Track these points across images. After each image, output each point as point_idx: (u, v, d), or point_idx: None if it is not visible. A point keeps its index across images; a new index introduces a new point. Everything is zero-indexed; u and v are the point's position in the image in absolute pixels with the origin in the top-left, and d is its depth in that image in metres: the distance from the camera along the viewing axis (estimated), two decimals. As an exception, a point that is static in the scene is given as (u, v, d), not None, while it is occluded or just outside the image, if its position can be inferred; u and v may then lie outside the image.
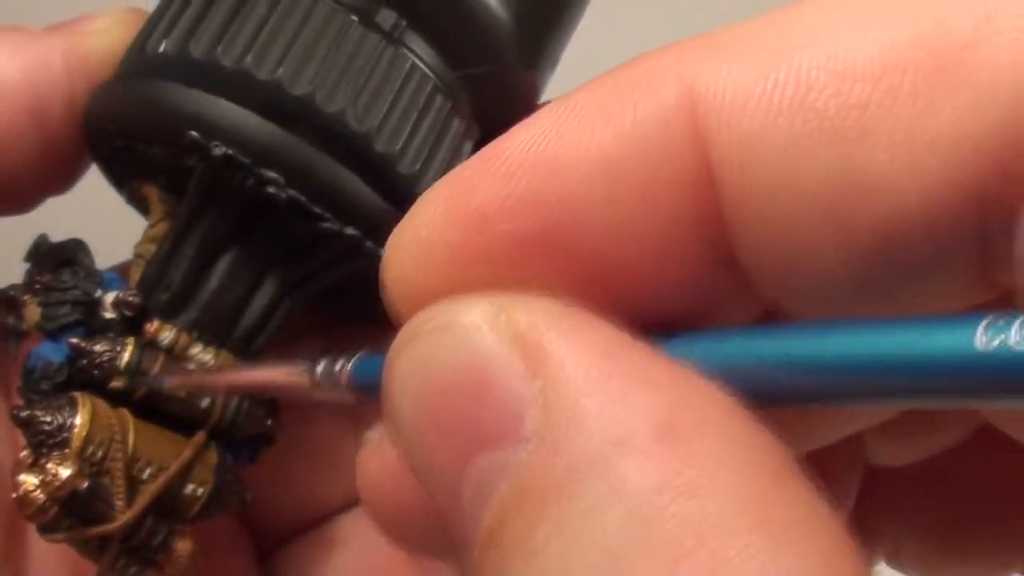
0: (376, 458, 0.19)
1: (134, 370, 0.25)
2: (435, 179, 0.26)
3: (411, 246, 0.17)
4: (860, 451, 0.22)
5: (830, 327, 0.14)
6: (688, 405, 0.14)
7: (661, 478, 0.13)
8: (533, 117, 0.16)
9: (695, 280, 0.16)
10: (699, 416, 0.14)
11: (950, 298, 0.15)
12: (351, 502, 0.30)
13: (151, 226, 0.27)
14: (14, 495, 0.23)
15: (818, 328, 0.14)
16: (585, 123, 0.15)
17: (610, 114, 0.15)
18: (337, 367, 0.20)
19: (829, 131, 0.14)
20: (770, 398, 0.15)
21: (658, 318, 0.16)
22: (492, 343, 0.15)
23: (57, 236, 0.27)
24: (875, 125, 0.14)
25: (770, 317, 0.17)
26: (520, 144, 0.16)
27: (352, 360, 0.20)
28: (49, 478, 0.23)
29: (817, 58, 0.14)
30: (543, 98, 0.30)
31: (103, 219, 0.29)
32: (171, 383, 0.25)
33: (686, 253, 0.16)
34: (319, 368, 0.20)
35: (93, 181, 0.29)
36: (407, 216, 0.17)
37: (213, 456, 0.25)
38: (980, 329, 0.13)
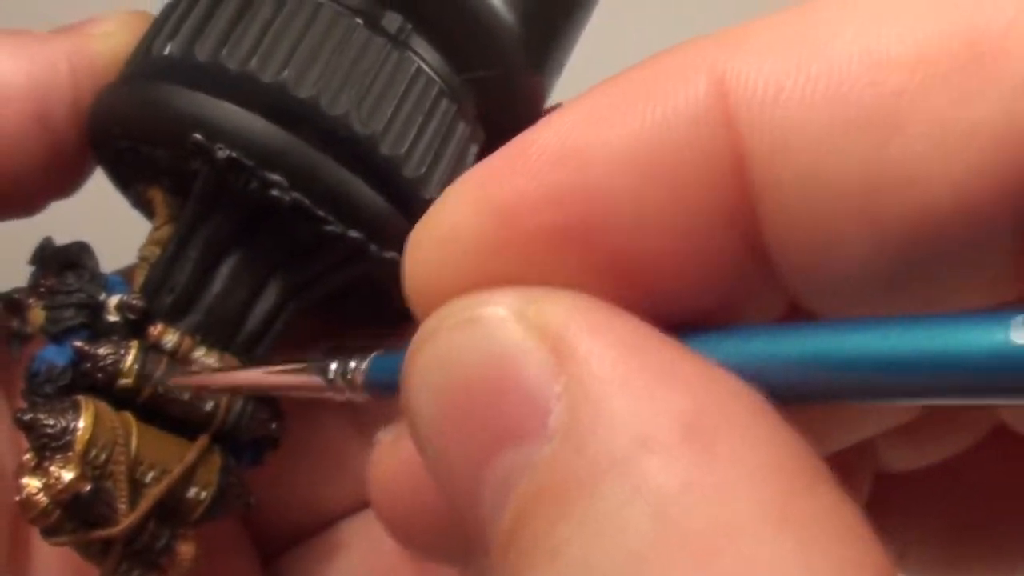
0: (388, 460, 0.19)
1: (138, 374, 0.25)
2: (440, 183, 0.26)
3: (435, 239, 0.16)
4: (871, 457, 0.22)
5: (859, 324, 0.14)
6: (714, 404, 0.14)
7: (687, 478, 0.13)
8: (562, 109, 0.16)
9: (723, 276, 0.16)
10: (725, 415, 0.14)
11: (980, 295, 0.15)
12: (355, 506, 0.30)
13: (155, 229, 0.27)
14: (17, 498, 0.23)
15: (847, 325, 0.14)
16: (614, 115, 0.15)
17: (640, 106, 0.15)
18: (351, 366, 0.20)
19: (863, 121, 0.14)
20: (798, 396, 0.15)
21: (684, 314, 0.16)
22: (518, 338, 0.15)
23: (62, 239, 0.27)
24: (910, 115, 0.14)
25: (796, 315, 0.16)
26: (548, 136, 0.16)
27: (367, 359, 0.19)
28: (52, 481, 0.23)
29: (851, 48, 0.14)
30: (549, 102, 0.30)
31: (107, 222, 0.29)
32: (178, 382, 0.25)
33: (715, 248, 0.15)
34: (332, 367, 0.20)
35: (98, 184, 0.29)
36: (431, 208, 0.17)
37: (217, 459, 0.25)
38: (1015, 324, 0.13)
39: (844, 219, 0.14)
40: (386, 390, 0.19)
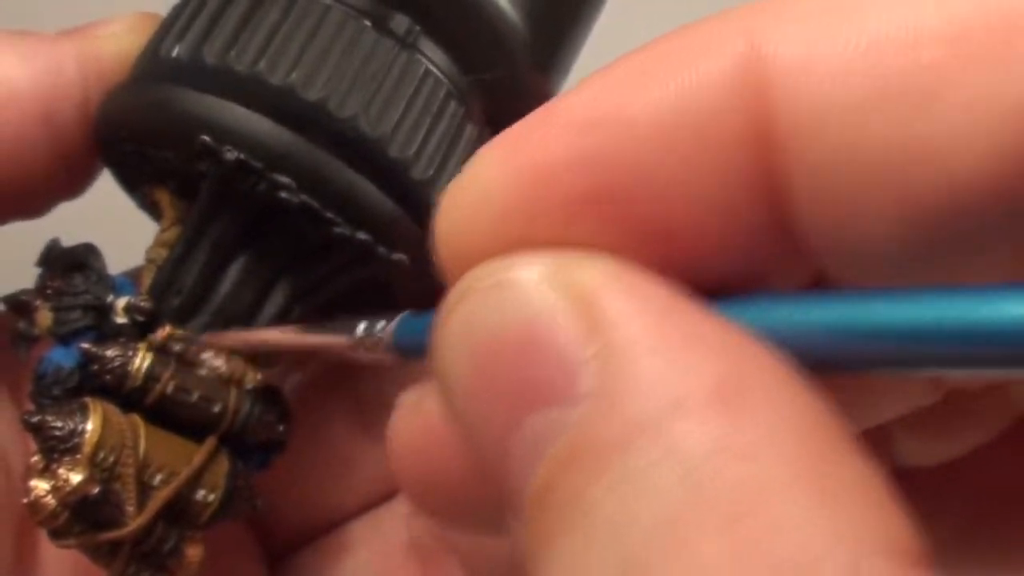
0: (409, 422, 0.19)
1: (146, 376, 0.25)
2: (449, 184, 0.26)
3: (466, 201, 0.16)
4: (888, 450, 0.22)
5: (884, 293, 0.14)
6: (744, 369, 0.14)
7: (716, 441, 0.13)
8: (593, 75, 0.16)
9: (750, 244, 0.16)
10: (755, 380, 0.14)
11: (1004, 271, 0.15)
12: (362, 508, 0.30)
13: (163, 231, 0.27)
14: (25, 500, 0.23)
15: (873, 294, 0.14)
16: (648, 80, 0.15)
17: (674, 72, 0.15)
18: (379, 326, 0.20)
19: (898, 93, 0.14)
20: (824, 364, 0.15)
21: (712, 281, 0.16)
22: (550, 300, 0.15)
23: (67, 240, 0.27)
24: (945, 88, 0.14)
25: (821, 285, 0.17)
26: (579, 101, 0.16)
27: (395, 320, 0.19)
28: (60, 483, 0.23)
29: (888, 21, 0.14)
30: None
31: (114, 223, 0.29)
32: (210, 341, 0.25)
33: (743, 216, 0.15)
34: (360, 328, 0.20)
35: (103, 185, 0.29)
36: (463, 172, 0.17)
37: (224, 462, 0.25)
38: None
39: (872, 190, 0.15)
40: (412, 351, 0.19)
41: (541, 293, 0.15)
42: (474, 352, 0.15)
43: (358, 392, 0.30)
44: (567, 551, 0.14)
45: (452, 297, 0.16)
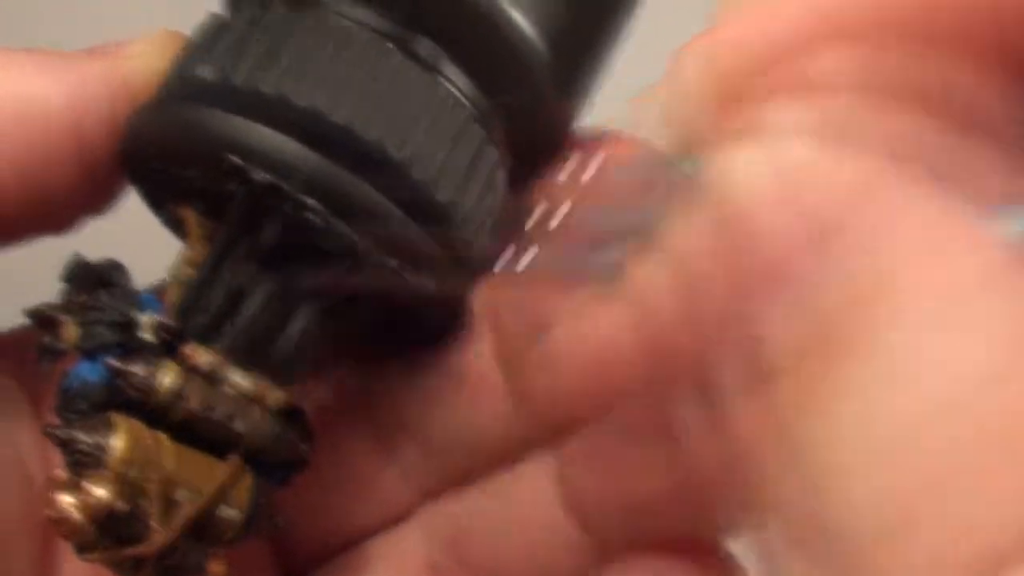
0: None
1: (172, 393, 0.25)
2: (472, 207, 0.27)
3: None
4: None
5: None
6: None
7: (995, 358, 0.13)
8: None
9: None
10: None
11: None
12: (380, 526, 0.30)
13: (188, 249, 0.27)
14: (51, 514, 0.23)
15: None
16: None
17: None
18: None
19: None
20: None
21: None
22: (820, 181, 0.14)
23: (92, 254, 0.27)
24: None
25: None
26: None
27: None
28: (86, 498, 0.23)
29: None
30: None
31: (135, 238, 0.30)
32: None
33: None
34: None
35: (128, 201, 0.29)
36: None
37: (248, 479, 0.26)
38: None
39: None
40: None
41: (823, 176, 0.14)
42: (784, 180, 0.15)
43: (374, 412, 0.30)
44: (861, 382, 0.13)
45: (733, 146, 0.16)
